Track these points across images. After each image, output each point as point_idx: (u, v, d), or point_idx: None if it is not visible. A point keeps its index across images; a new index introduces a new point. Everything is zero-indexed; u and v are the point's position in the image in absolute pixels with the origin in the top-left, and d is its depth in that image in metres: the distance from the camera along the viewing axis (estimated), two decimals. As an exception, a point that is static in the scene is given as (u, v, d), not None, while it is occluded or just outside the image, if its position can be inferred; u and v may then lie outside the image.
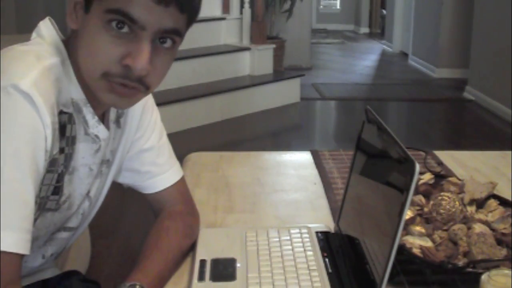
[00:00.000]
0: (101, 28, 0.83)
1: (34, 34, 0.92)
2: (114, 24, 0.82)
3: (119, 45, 0.83)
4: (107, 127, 0.98)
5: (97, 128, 0.94)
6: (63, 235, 1.02)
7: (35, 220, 0.89)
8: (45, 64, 0.85)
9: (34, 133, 0.80)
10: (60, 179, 0.90)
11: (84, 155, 0.94)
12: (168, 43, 0.87)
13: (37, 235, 0.93)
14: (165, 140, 1.11)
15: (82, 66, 0.88)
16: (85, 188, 0.99)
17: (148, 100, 1.08)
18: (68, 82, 0.89)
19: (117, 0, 0.82)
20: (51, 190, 0.89)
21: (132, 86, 0.86)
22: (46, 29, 0.92)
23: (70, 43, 0.91)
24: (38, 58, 0.85)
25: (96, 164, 0.98)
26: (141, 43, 0.83)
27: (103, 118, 0.97)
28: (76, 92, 0.90)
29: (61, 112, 0.86)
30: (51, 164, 0.86)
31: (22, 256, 0.79)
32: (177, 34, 0.87)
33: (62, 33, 0.94)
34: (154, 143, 1.09)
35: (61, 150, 0.88)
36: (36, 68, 0.83)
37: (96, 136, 0.95)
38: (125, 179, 1.10)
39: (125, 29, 0.83)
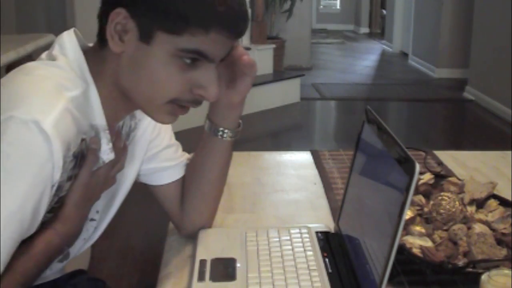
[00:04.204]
0: (169, 60, 0.83)
1: (57, 47, 0.87)
2: (186, 60, 0.83)
3: (188, 74, 0.84)
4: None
5: (108, 155, 0.90)
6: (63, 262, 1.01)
7: None
8: (67, 97, 0.80)
9: (45, 178, 0.77)
10: (59, 200, 0.86)
11: None
12: None
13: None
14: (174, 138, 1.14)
15: (139, 91, 0.86)
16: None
17: None
18: (90, 110, 0.85)
19: (191, 40, 0.81)
20: (48, 208, 0.85)
21: (189, 107, 0.89)
22: (70, 45, 0.87)
23: (98, 60, 0.87)
24: (60, 89, 0.81)
25: None
26: (211, 74, 0.85)
27: None
28: (98, 119, 0.87)
29: (82, 140, 0.83)
30: (57, 189, 0.82)
31: None
32: None
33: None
34: (170, 141, 1.11)
35: (69, 178, 0.84)
36: (59, 104, 0.78)
37: (103, 161, 0.90)
38: (143, 178, 1.09)
39: (192, 61, 0.84)
